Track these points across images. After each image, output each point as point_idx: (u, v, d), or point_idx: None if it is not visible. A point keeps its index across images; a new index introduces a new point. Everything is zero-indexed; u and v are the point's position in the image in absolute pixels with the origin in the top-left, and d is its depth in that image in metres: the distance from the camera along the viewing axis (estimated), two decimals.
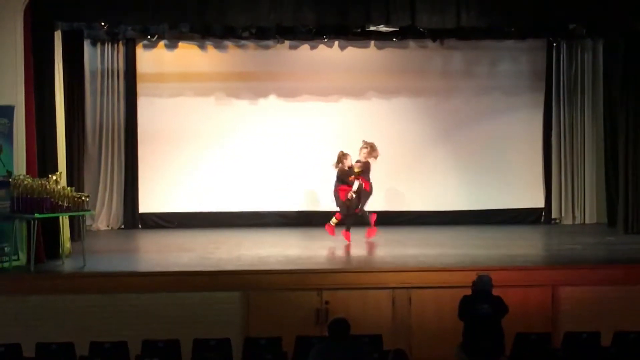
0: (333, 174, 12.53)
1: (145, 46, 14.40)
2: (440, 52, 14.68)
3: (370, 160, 12.46)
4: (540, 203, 14.90)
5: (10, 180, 10.38)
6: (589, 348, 8.36)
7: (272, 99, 14.61)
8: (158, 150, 14.41)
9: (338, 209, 12.48)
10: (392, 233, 13.08)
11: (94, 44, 14.22)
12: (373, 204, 12.93)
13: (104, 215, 14.33)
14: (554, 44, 14.76)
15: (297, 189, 14.50)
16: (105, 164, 14.36)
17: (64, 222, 10.89)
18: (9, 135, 10.54)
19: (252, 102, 14.61)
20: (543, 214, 14.89)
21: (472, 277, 8.54)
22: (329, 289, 9.73)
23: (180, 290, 9.73)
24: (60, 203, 10.40)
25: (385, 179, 13.82)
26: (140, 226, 14.43)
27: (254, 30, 13.58)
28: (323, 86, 14.59)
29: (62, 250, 10.76)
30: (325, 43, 14.49)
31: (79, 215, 11.01)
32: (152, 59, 14.45)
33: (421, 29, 12.99)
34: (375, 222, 12.51)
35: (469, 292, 8.41)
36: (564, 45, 14.77)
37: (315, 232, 13.09)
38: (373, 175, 12.62)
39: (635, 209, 12.99)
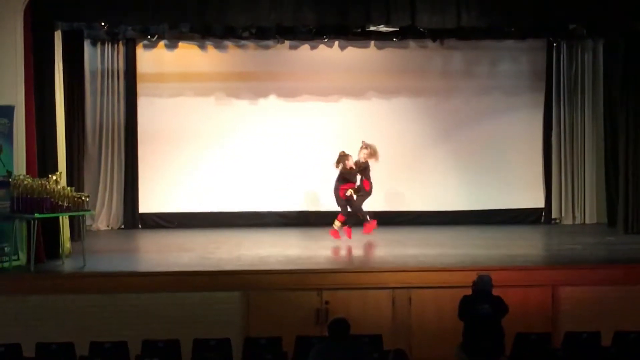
0: (333, 174, 12.54)
1: (145, 46, 14.39)
2: (440, 52, 14.67)
3: (370, 161, 12.52)
4: (540, 203, 14.89)
5: (10, 180, 10.37)
6: (589, 348, 8.36)
7: (272, 99, 14.61)
8: (158, 150, 14.40)
9: (339, 209, 12.50)
10: (392, 233, 13.07)
11: (94, 44, 14.22)
12: (373, 204, 12.95)
13: (104, 215, 14.33)
14: (554, 44, 14.75)
15: (297, 189, 14.49)
16: (105, 164, 14.36)
17: (64, 222, 10.89)
18: (9, 135, 10.53)
19: (252, 102, 14.60)
20: (543, 214, 14.89)
21: (472, 277, 8.54)
22: (329, 289, 9.73)
23: (180, 290, 9.72)
24: (60, 203, 10.40)
25: (385, 179, 13.80)
26: (140, 226, 14.43)
27: (254, 30, 13.58)
28: (323, 86, 14.58)
29: (62, 250, 10.76)
30: (325, 43, 14.48)
31: (79, 215, 11.02)
32: (152, 59, 14.45)
33: (421, 29, 12.98)
34: (373, 226, 12.59)
35: (469, 292, 8.41)
36: (564, 45, 14.77)
37: (315, 232, 13.10)
38: (373, 175, 12.67)
39: (635, 209, 12.98)
